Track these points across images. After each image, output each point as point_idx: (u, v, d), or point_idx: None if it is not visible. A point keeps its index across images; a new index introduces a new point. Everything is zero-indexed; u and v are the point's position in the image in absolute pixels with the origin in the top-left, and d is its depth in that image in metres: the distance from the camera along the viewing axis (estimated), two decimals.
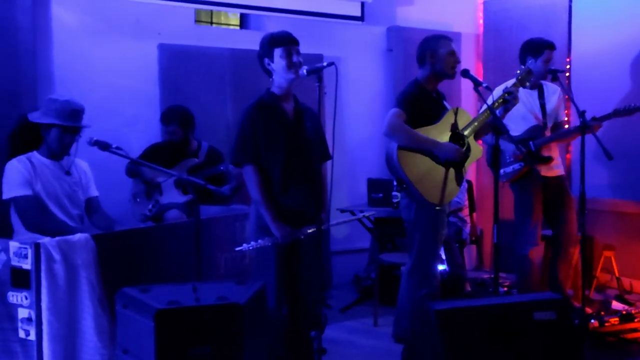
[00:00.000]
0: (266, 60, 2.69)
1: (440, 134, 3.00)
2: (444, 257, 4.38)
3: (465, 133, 3.02)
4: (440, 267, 4.28)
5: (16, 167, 2.74)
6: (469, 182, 4.80)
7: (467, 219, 4.69)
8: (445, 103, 3.15)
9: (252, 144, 2.61)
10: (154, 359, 1.64)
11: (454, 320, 2.21)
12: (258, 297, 1.94)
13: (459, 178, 3.03)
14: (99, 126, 3.31)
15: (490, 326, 2.21)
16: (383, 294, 4.11)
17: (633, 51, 4.50)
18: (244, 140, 2.63)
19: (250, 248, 2.45)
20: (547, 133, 3.72)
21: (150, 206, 3.78)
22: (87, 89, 4.13)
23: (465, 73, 3.04)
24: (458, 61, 3.06)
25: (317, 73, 2.54)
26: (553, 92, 3.75)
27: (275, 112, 2.68)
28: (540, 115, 3.70)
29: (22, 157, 2.79)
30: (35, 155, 2.83)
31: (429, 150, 2.92)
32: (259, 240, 2.49)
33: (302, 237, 2.58)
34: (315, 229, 2.47)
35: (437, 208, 2.98)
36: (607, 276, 4.54)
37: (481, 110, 3.44)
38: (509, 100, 2.92)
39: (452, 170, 2.98)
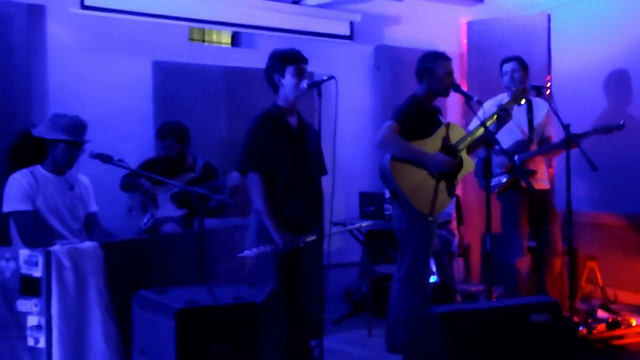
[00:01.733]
0: (276, 76, 2.78)
1: (433, 147, 3.10)
2: (434, 268, 4.48)
3: (459, 147, 3.13)
4: (431, 279, 4.38)
5: (18, 181, 2.77)
6: (457, 196, 4.92)
7: (455, 231, 4.80)
8: (440, 117, 3.26)
9: (259, 153, 2.69)
10: (174, 358, 1.68)
11: (455, 322, 2.29)
12: (272, 298, 1.99)
13: (451, 190, 3.13)
14: (93, 142, 3.34)
15: (491, 327, 2.30)
16: (376, 306, 4.17)
17: (611, 68, 4.70)
18: (250, 149, 2.71)
19: (252, 254, 2.50)
20: (533, 147, 3.85)
21: (145, 220, 3.81)
22: (81, 106, 4.15)
23: (456, 88, 3.17)
24: (454, 82, 3.16)
25: (317, 87, 2.64)
26: (541, 107, 3.88)
27: (281, 123, 2.78)
28: (527, 130, 3.84)
29: (26, 171, 2.82)
30: (38, 169, 2.86)
31: (420, 161, 3.02)
32: (261, 247, 2.55)
33: (302, 244, 2.64)
34: (313, 238, 2.54)
35: (429, 219, 3.07)
36: (591, 287, 4.67)
37: (473, 126, 3.56)
38: (502, 116, 3.05)
39: (443, 182, 3.08)
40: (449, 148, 3.11)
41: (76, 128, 2.85)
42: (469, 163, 3.17)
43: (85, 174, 3.16)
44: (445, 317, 2.28)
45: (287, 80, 2.76)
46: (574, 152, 3.44)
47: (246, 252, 2.53)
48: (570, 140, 3.36)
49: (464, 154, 3.13)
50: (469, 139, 3.12)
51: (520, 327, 2.33)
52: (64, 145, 2.82)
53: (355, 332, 4.11)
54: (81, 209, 2.99)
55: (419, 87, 3.18)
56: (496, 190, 3.84)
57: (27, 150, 2.89)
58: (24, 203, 2.72)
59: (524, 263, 3.79)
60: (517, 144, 3.81)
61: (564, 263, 4.26)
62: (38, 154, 2.89)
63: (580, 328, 3.56)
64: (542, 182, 3.85)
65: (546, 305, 2.42)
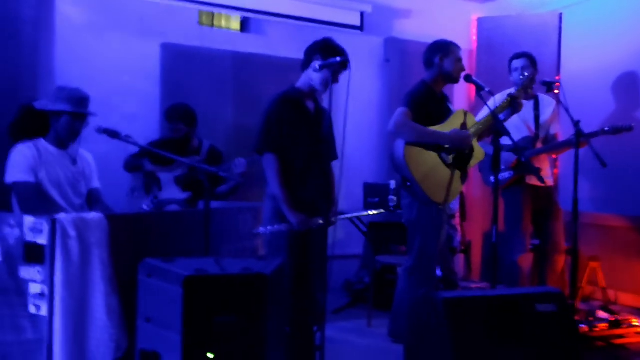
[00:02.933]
0: (317, 56, 2.70)
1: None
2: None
3: (471, 132, 3.11)
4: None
5: (22, 152, 2.74)
6: (461, 192, 4.90)
7: (458, 227, 4.78)
8: (449, 105, 3.25)
9: (276, 134, 2.68)
10: (180, 326, 1.66)
11: (461, 308, 2.27)
12: (279, 271, 1.97)
13: (463, 177, 3.12)
14: (98, 122, 3.31)
15: (496, 315, 2.28)
16: (376, 298, 4.15)
17: (621, 70, 4.68)
18: (268, 129, 2.70)
19: (267, 231, 2.50)
20: (539, 144, 3.83)
21: (148, 201, 3.78)
22: (87, 85, 4.05)
23: (468, 78, 3.15)
24: (464, 68, 3.17)
25: (329, 68, 2.61)
26: (548, 104, 3.87)
27: (299, 106, 2.76)
28: (533, 126, 3.82)
29: (29, 144, 2.79)
30: (41, 142, 2.84)
31: (436, 141, 2.99)
32: (275, 225, 2.54)
33: (315, 227, 2.63)
34: (324, 221, 2.53)
35: (440, 207, 3.05)
36: (592, 287, 4.65)
37: (482, 114, 3.54)
38: (513, 106, 3.03)
39: (456, 170, 3.06)
40: None
41: (79, 100, 2.83)
42: (480, 151, 3.16)
43: (89, 153, 3.13)
44: (451, 303, 2.27)
45: (322, 72, 2.69)
46: (579, 151, 3.43)
47: (261, 229, 2.55)
48: (581, 135, 3.34)
49: (474, 142, 3.12)
50: (480, 127, 3.11)
51: (525, 316, 2.32)
52: (67, 117, 2.80)
53: (355, 322, 4.10)
54: (83, 185, 2.97)
55: (428, 73, 3.17)
56: (502, 185, 3.82)
57: (30, 124, 2.86)
58: (27, 174, 2.70)
59: (525, 260, 3.78)
60: (523, 140, 3.79)
61: (566, 261, 4.25)
62: (40, 128, 2.86)
63: (582, 325, 3.55)
64: (546, 178, 3.83)
65: (552, 296, 2.41)
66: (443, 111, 3.13)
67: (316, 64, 2.68)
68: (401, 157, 2.96)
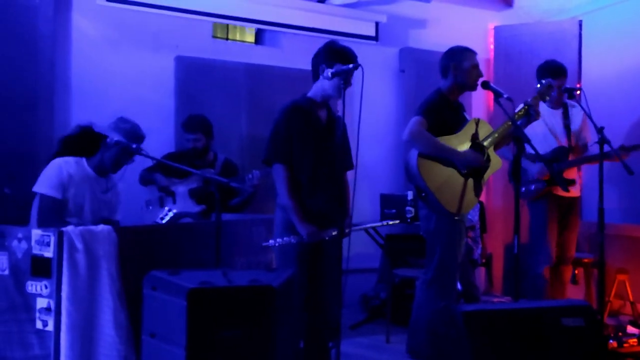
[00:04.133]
0: (323, 66, 2.67)
1: (461, 143, 3.01)
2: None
3: (485, 144, 3.03)
4: None
5: (59, 167, 2.73)
6: (481, 203, 4.78)
7: (478, 239, 4.66)
8: (464, 114, 3.16)
9: (285, 144, 2.63)
10: (184, 341, 1.59)
11: (482, 322, 2.17)
12: (289, 284, 1.89)
13: (478, 189, 3.02)
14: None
15: (518, 329, 2.17)
16: (394, 313, 4.04)
17: None
18: (277, 140, 2.65)
19: (276, 244, 2.43)
20: (571, 155, 3.71)
21: (162, 214, 3.75)
22: (103, 98, 4.16)
23: (486, 85, 3.07)
24: (481, 74, 3.09)
25: (342, 75, 2.56)
26: (578, 112, 3.76)
27: (309, 116, 2.70)
28: (562, 136, 3.71)
29: (71, 159, 2.78)
30: (83, 161, 2.82)
31: (449, 158, 2.91)
32: (285, 238, 2.47)
33: (327, 237, 2.55)
34: (338, 232, 2.45)
35: (456, 218, 2.95)
36: (620, 301, 4.48)
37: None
38: (531, 113, 2.94)
39: (470, 181, 2.97)
40: (476, 144, 3.00)
41: (136, 137, 2.83)
42: (497, 160, 3.07)
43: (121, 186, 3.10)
44: (472, 317, 2.17)
45: (335, 79, 2.64)
46: (606, 162, 3.32)
47: (270, 242, 2.49)
48: (604, 142, 3.23)
49: (491, 152, 3.02)
50: (496, 135, 3.02)
51: (550, 331, 2.20)
52: (118, 149, 2.78)
53: (373, 337, 4.00)
54: (105, 212, 2.93)
55: (444, 81, 3.09)
56: (531, 196, 3.70)
57: (82, 143, 2.85)
58: (55, 189, 2.68)
59: (549, 272, 3.67)
60: (557, 151, 3.68)
61: (592, 274, 4.10)
62: (90, 149, 2.86)
63: (610, 341, 3.39)
64: (573, 189, 3.71)
65: (580, 309, 2.29)
66: (458, 120, 3.05)
67: (328, 72, 2.62)
68: (415, 167, 2.89)
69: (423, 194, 2.95)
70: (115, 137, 2.77)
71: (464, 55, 3.05)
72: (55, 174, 2.70)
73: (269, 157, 2.67)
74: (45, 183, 2.69)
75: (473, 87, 3.08)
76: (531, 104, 3.01)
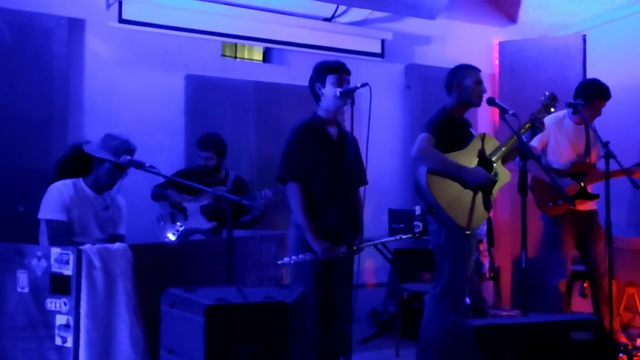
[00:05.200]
0: (317, 84, 2.80)
1: (468, 159, 3.05)
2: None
3: (493, 159, 3.07)
4: None
5: (59, 190, 2.80)
6: (489, 217, 4.80)
7: (486, 253, 4.68)
8: (471, 130, 3.21)
9: (298, 163, 2.69)
10: (202, 356, 1.63)
11: (492, 337, 2.19)
12: (302, 300, 1.94)
13: (487, 203, 3.05)
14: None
15: (528, 344, 2.19)
16: (404, 327, 4.05)
17: None
18: (290, 158, 2.71)
19: (291, 262, 2.48)
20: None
21: (174, 230, 3.80)
22: (114, 117, 4.25)
23: (491, 101, 3.11)
24: (484, 91, 3.14)
25: (350, 94, 2.62)
26: (595, 128, 3.80)
27: (321, 134, 2.77)
28: (584, 151, 3.73)
29: (68, 182, 2.85)
30: (80, 182, 2.90)
31: (458, 175, 2.95)
32: (300, 255, 2.52)
33: (341, 254, 2.60)
34: (351, 249, 2.50)
35: (467, 232, 2.99)
36: (629, 315, 4.48)
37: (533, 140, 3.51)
38: (537, 126, 2.98)
39: (480, 195, 3.01)
40: (484, 160, 3.04)
41: (124, 151, 2.87)
42: (505, 174, 3.10)
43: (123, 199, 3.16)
44: (482, 331, 2.19)
45: (328, 90, 2.76)
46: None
47: (285, 259, 2.53)
48: (610, 156, 3.26)
49: (499, 166, 3.07)
50: (503, 149, 3.06)
51: (560, 345, 2.22)
52: (109, 166, 2.84)
53: (382, 352, 4.01)
54: (110, 229, 3.00)
55: (449, 99, 3.14)
56: (553, 213, 3.71)
57: (76, 163, 2.93)
58: (61, 212, 2.75)
59: (566, 285, 3.68)
60: (579, 165, 3.70)
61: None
62: (84, 168, 2.93)
63: (621, 355, 3.40)
64: (589, 203, 3.73)
65: (589, 323, 2.31)
66: (465, 136, 3.10)
67: (337, 91, 2.70)
68: (424, 184, 2.92)
69: (434, 210, 2.99)
70: (103, 155, 2.82)
71: (467, 73, 3.10)
72: (57, 198, 2.77)
73: (283, 176, 2.73)
74: (50, 208, 2.75)
75: (477, 104, 3.13)
76: (536, 116, 3.06)
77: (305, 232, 2.63)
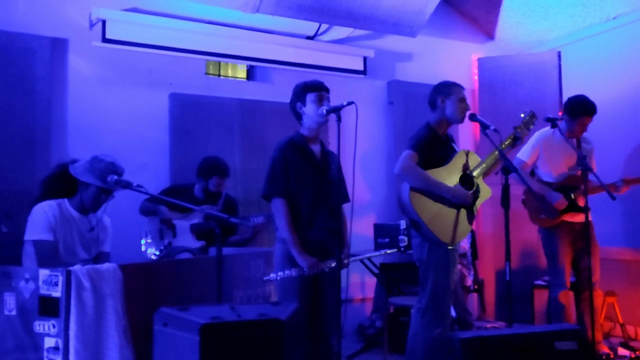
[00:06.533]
0: (298, 104, 2.86)
1: (450, 175, 3.11)
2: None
3: (474, 174, 3.14)
4: None
5: (44, 211, 2.78)
6: (472, 230, 4.87)
7: (470, 266, 4.74)
8: (454, 145, 3.28)
9: (283, 179, 2.73)
10: None
11: (478, 349, 2.24)
12: (295, 317, 1.96)
13: (470, 217, 3.12)
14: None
15: (514, 354, 2.24)
16: (391, 341, 4.07)
17: (622, 106, 4.73)
18: (275, 175, 2.75)
19: (277, 278, 2.49)
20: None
21: (162, 246, 3.78)
22: (98, 137, 4.23)
23: (473, 117, 3.20)
24: (468, 108, 3.21)
25: (336, 112, 2.67)
26: (588, 142, 3.91)
27: (304, 151, 2.82)
28: (575, 165, 3.80)
29: (53, 203, 2.83)
30: (65, 203, 2.88)
31: (439, 193, 3.02)
32: (286, 271, 2.54)
33: (327, 269, 2.63)
34: (337, 263, 2.53)
35: (450, 247, 3.04)
36: (609, 324, 4.56)
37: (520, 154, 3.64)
38: (518, 137, 3.08)
39: (463, 210, 3.07)
40: (466, 175, 3.11)
41: (110, 174, 2.83)
42: (486, 189, 3.18)
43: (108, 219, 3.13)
44: (469, 343, 2.24)
45: (309, 108, 2.82)
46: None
47: (271, 276, 2.55)
48: (586, 171, 3.35)
49: (480, 181, 3.14)
50: (484, 165, 3.14)
51: (544, 355, 2.28)
52: (94, 190, 2.83)
53: None
54: (94, 249, 2.98)
55: (432, 115, 3.21)
56: (546, 225, 3.79)
57: (61, 183, 2.90)
58: (47, 233, 2.74)
59: (566, 296, 3.74)
60: (570, 179, 3.78)
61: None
62: (70, 189, 2.91)
63: None
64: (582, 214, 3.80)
65: (572, 333, 2.37)
66: (447, 152, 3.17)
67: (323, 109, 2.77)
68: (407, 200, 2.99)
69: (418, 226, 3.04)
70: (88, 180, 2.81)
71: (451, 90, 3.17)
72: (42, 219, 2.75)
73: (269, 192, 2.76)
74: (36, 229, 2.74)
75: (460, 121, 3.20)
76: (517, 135, 3.15)
77: (290, 248, 2.66)
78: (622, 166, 4.64)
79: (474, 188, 3.10)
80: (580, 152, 3.60)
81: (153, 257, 3.72)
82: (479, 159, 3.22)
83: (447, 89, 3.17)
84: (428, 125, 3.19)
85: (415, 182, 2.99)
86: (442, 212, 3.02)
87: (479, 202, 3.14)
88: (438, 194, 3.01)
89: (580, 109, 3.75)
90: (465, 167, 3.11)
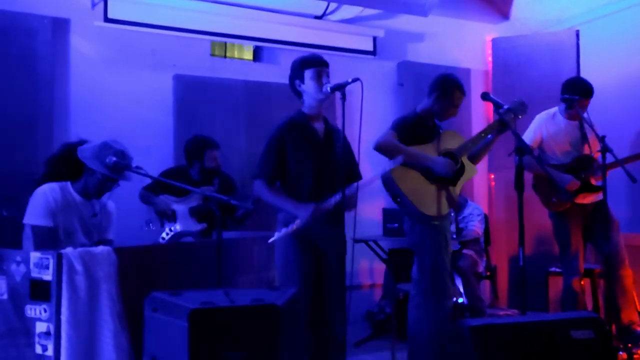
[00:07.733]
0: (297, 82, 2.73)
1: (433, 153, 3.04)
2: (462, 290, 4.29)
3: (461, 153, 3.07)
4: (459, 301, 4.20)
5: (45, 195, 2.66)
6: (485, 215, 4.74)
7: (483, 252, 4.62)
8: (440, 130, 3.18)
9: (271, 162, 2.63)
10: None
11: (489, 337, 2.13)
12: (293, 302, 1.86)
13: (450, 198, 3.01)
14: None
15: (527, 343, 2.13)
16: (399, 328, 3.97)
17: None
18: (263, 156, 2.66)
19: (281, 234, 2.43)
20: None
21: (164, 234, 3.72)
22: (102, 118, 4.15)
23: (486, 96, 3.08)
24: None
25: (341, 89, 2.55)
26: (592, 123, 3.76)
27: (305, 131, 2.69)
28: (580, 146, 3.70)
29: (55, 186, 2.70)
30: (68, 187, 2.74)
31: (422, 164, 2.92)
32: (290, 225, 2.44)
33: (331, 206, 2.51)
34: (338, 200, 2.44)
35: (435, 222, 2.95)
36: None
37: (526, 137, 3.57)
38: (502, 126, 2.99)
39: (443, 186, 2.98)
40: (449, 154, 3.04)
41: (119, 165, 2.71)
42: (471, 169, 3.09)
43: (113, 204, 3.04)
44: (479, 331, 2.13)
45: (307, 85, 2.69)
46: (610, 171, 3.32)
47: (275, 234, 2.48)
48: (606, 150, 3.21)
49: (465, 160, 3.05)
50: (469, 145, 3.07)
51: (560, 344, 2.16)
52: (99, 177, 2.71)
53: (378, 354, 3.95)
54: (95, 236, 2.87)
55: (424, 101, 3.16)
56: (558, 209, 3.67)
57: (67, 165, 2.76)
58: (46, 218, 2.62)
59: (580, 283, 3.63)
60: (580, 160, 3.66)
61: (598, 284, 4.04)
62: (75, 171, 2.77)
63: (620, 353, 3.34)
64: (594, 195, 3.67)
65: (589, 321, 2.25)
66: (431, 135, 3.09)
67: (327, 87, 2.64)
68: (389, 174, 2.90)
69: (398, 199, 2.97)
70: (95, 167, 2.68)
71: (453, 93, 3.10)
72: (42, 203, 2.63)
73: (254, 172, 2.69)
74: (35, 214, 2.63)
75: (440, 120, 3.17)
76: (505, 120, 3.01)
77: (285, 208, 2.58)
78: None
79: (458, 165, 3.00)
80: (594, 132, 3.45)
81: (161, 240, 3.67)
82: (462, 139, 3.16)
83: (450, 89, 3.10)
84: (415, 111, 3.18)
85: (393, 155, 2.89)
86: (423, 185, 2.96)
87: (462, 181, 3.05)
88: (421, 164, 2.93)
89: (581, 91, 3.64)
90: (444, 145, 3.02)
